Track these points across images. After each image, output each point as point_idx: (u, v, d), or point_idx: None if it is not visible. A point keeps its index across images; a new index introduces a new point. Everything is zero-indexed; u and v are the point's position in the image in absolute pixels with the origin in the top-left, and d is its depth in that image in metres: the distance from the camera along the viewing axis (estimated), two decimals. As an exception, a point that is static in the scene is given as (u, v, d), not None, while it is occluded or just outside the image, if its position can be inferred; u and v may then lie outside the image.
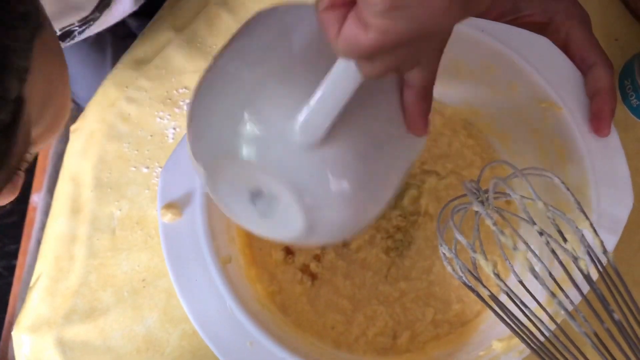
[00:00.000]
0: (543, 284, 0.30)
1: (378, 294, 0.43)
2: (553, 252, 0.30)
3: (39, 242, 0.72)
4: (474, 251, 0.32)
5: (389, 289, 0.43)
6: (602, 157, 0.38)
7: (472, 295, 0.34)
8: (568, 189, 0.32)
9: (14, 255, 0.89)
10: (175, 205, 0.35)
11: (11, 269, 0.90)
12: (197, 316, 0.34)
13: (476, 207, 0.32)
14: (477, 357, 0.37)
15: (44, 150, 0.87)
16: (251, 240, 0.42)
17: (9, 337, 0.78)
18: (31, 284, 0.47)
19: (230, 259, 0.37)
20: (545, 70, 0.39)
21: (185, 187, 0.36)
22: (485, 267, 0.32)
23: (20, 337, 0.45)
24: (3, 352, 0.79)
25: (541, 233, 0.30)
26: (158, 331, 0.44)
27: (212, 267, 0.34)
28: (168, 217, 0.35)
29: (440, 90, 0.45)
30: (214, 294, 0.34)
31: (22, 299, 0.66)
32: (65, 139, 0.50)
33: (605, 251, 0.31)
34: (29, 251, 0.87)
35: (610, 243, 0.36)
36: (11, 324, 0.68)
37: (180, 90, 0.49)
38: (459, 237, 0.32)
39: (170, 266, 0.35)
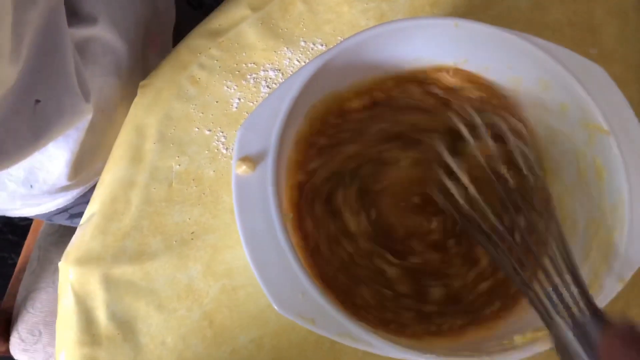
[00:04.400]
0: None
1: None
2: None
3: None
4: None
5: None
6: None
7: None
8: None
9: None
10: (250, 160, 0.38)
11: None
12: (257, 262, 0.36)
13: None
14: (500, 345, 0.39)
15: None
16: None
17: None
18: (82, 222, 0.49)
19: (291, 217, 0.39)
20: (598, 97, 0.42)
21: (260, 145, 0.38)
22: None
23: (68, 269, 0.47)
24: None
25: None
26: (200, 282, 0.47)
27: (276, 221, 0.37)
28: (242, 170, 0.38)
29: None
30: (275, 245, 0.37)
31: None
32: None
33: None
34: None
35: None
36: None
37: (249, 65, 0.52)
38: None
39: (238, 215, 0.37)
